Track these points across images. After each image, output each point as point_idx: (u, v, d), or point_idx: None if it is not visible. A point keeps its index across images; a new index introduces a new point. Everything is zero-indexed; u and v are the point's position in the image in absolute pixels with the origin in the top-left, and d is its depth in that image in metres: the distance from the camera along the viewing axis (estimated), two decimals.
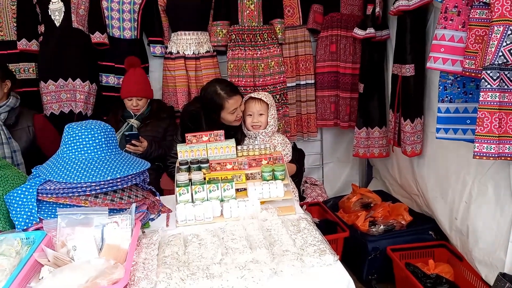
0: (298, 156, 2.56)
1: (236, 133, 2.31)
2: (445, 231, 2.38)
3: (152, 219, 1.65)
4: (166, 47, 2.95)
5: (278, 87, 2.99)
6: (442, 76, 1.98)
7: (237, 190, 1.77)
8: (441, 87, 2.01)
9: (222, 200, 1.71)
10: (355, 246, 2.50)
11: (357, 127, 2.91)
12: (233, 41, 2.91)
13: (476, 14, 1.67)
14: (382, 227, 2.47)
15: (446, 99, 2.00)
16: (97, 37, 2.75)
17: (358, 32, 2.76)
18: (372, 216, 2.58)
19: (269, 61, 2.96)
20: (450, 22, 1.81)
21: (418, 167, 2.58)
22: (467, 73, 1.74)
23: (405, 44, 2.38)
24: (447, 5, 1.80)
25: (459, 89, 1.97)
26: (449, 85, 1.98)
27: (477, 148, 1.61)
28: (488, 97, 1.58)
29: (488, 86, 1.57)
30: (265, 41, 2.95)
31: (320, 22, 3.03)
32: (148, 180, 1.71)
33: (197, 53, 2.89)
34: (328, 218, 2.77)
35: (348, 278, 1.27)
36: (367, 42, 2.79)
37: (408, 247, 2.39)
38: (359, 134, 2.92)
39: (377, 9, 2.65)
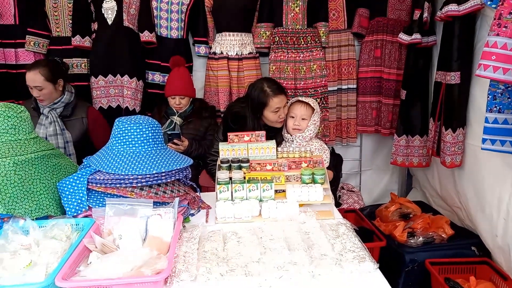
0: (336, 162, 2.53)
1: (276, 135, 2.32)
2: (489, 248, 2.28)
3: (192, 214, 1.69)
4: (210, 47, 3.01)
5: (319, 91, 2.98)
6: (492, 85, 1.91)
7: (275, 191, 1.78)
8: (490, 97, 1.93)
9: (261, 200, 1.73)
10: (392, 257, 2.44)
11: (397, 135, 2.85)
12: (276, 43, 2.93)
13: None
14: (421, 239, 2.39)
15: (495, 109, 1.92)
16: (146, 35, 2.85)
17: (403, 37, 2.70)
18: (410, 227, 2.51)
19: (311, 64, 2.95)
20: (504, 29, 1.73)
21: (460, 179, 2.49)
22: None
23: (451, 51, 2.31)
24: (502, 11, 1.73)
25: (509, 99, 1.88)
26: (499, 95, 1.90)
27: None
28: None
29: None
30: (308, 44, 2.94)
31: (365, 27, 2.99)
32: (190, 176, 1.75)
33: (240, 54, 2.94)
34: (364, 226, 2.71)
35: (388, 287, 1.25)
36: (412, 48, 2.73)
37: (448, 262, 2.30)
38: (398, 142, 2.85)
39: (425, 15, 2.58)
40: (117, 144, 1.57)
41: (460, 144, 2.37)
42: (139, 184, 1.50)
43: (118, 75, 2.84)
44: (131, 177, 1.49)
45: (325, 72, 2.99)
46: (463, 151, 2.38)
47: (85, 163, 1.62)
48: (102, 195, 1.52)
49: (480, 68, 1.80)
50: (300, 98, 2.30)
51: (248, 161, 1.88)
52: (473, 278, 2.18)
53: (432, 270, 2.24)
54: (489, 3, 1.92)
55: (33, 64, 2.46)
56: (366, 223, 2.72)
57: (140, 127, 1.57)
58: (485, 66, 1.78)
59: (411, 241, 2.40)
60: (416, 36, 2.62)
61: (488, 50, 1.77)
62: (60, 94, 2.47)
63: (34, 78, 2.37)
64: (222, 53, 2.93)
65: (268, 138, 2.09)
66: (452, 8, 2.20)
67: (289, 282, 1.22)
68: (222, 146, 1.99)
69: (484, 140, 1.92)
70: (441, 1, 2.42)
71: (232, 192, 1.73)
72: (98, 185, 1.51)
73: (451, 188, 2.62)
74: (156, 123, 1.64)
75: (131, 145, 1.56)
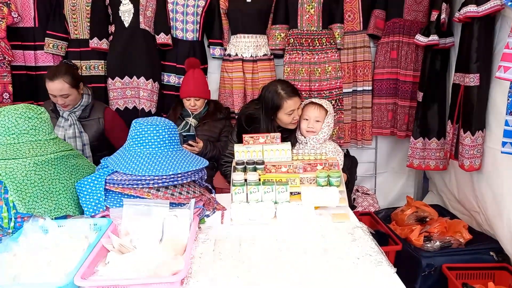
0: (350, 164, 2.51)
1: (290, 137, 2.32)
2: (508, 253, 2.23)
3: (208, 216, 1.69)
4: (225, 49, 3.03)
5: (334, 93, 2.96)
6: None
7: (290, 193, 1.77)
8: (510, 99, 1.90)
9: (276, 202, 1.72)
10: (408, 261, 2.40)
11: (413, 137, 2.82)
12: (291, 45, 2.92)
13: None
14: (438, 243, 2.35)
15: None
16: (161, 38, 2.88)
17: (420, 39, 2.67)
18: (427, 231, 2.47)
19: (326, 66, 2.94)
20: None
21: (478, 183, 2.44)
22: None
23: (470, 53, 2.26)
24: None
25: None
26: None
27: None
28: None
29: None
30: (323, 46, 2.93)
31: (381, 28, 2.96)
32: (206, 177, 1.76)
33: (254, 56, 2.94)
34: (379, 229, 2.68)
35: None
36: (429, 50, 2.69)
37: (466, 267, 2.26)
38: (414, 145, 2.82)
39: (443, 16, 2.55)
40: (134, 146, 1.59)
41: (479, 147, 2.33)
42: (156, 185, 1.51)
43: (135, 77, 2.87)
44: (147, 178, 1.50)
45: (340, 74, 2.97)
46: (482, 154, 2.34)
47: (103, 163, 1.64)
48: (120, 195, 1.54)
49: (500, 70, 1.77)
50: (313, 100, 2.29)
51: (263, 163, 1.88)
52: (492, 284, 2.13)
53: (450, 275, 2.20)
54: (509, 3, 1.89)
55: (53, 73, 2.36)
56: (381, 227, 2.69)
57: (157, 128, 1.59)
58: (505, 68, 1.76)
59: (428, 245, 2.36)
60: (434, 38, 2.59)
61: (509, 52, 1.74)
62: (80, 98, 2.51)
63: (61, 87, 2.34)
64: (237, 55, 2.94)
65: (283, 140, 2.09)
66: (471, 9, 2.16)
67: (305, 285, 1.21)
68: (237, 148, 1.99)
69: (504, 144, 1.89)
70: (459, 2, 2.38)
71: (247, 194, 1.73)
72: (116, 186, 1.52)
73: (469, 192, 2.58)
74: (172, 124, 1.66)
75: (148, 146, 1.58)
